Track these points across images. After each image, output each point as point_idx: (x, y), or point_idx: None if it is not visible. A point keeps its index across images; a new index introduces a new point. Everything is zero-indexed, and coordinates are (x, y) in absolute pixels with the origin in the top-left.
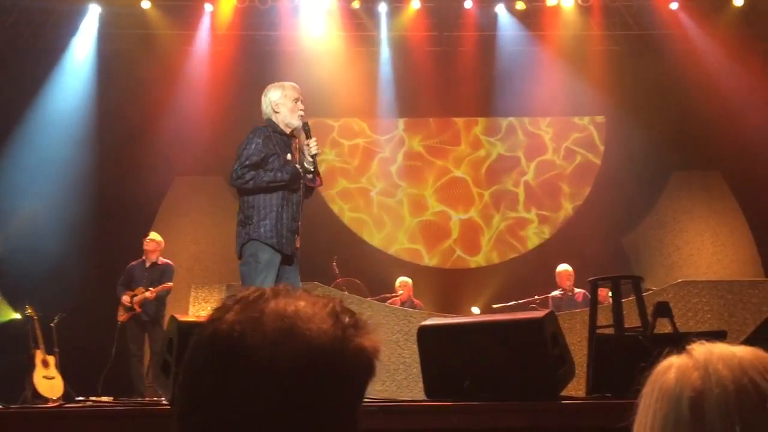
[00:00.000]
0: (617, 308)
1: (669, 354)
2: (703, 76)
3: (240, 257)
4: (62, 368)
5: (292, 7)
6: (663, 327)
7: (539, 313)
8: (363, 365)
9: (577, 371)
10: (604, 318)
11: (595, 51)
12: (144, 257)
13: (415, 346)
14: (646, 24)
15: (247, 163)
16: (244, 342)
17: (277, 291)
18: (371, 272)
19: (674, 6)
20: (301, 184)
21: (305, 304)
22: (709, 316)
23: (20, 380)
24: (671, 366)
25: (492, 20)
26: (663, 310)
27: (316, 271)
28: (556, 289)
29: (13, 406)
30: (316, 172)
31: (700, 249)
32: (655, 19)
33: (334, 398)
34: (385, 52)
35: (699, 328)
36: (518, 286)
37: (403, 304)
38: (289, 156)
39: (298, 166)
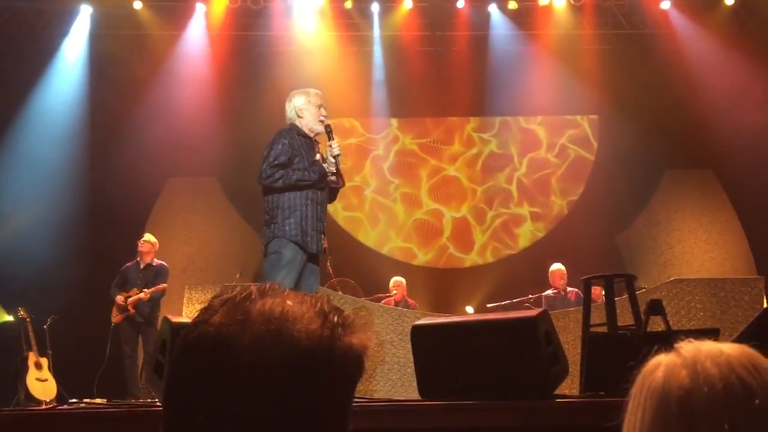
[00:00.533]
0: (610, 307)
1: (658, 352)
2: (695, 75)
3: (265, 255)
4: (55, 370)
5: (285, 7)
6: (656, 325)
7: (532, 312)
8: (352, 364)
9: (570, 370)
10: (598, 316)
11: (587, 50)
12: (138, 258)
13: (409, 346)
14: (637, 23)
15: (276, 162)
16: (231, 344)
17: (263, 291)
18: (365, 272)
19: (666, 5)
20: (326, 186)
21: (293, 304)
22: (702, 313)
23: (13, 383)
24: (660, 364)
25: (484, 20)
26: (656, 308)
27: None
28: (549, 288)
29: (6, 409)
30: (338, 174)
31: (693, 247)
32: (647, 18)
33: (323, 398)
34: (377, 51)
35: (692, 326)
36: (512, 285)
37: (397, 303)
38: (317, 156)
39: (325, 165)
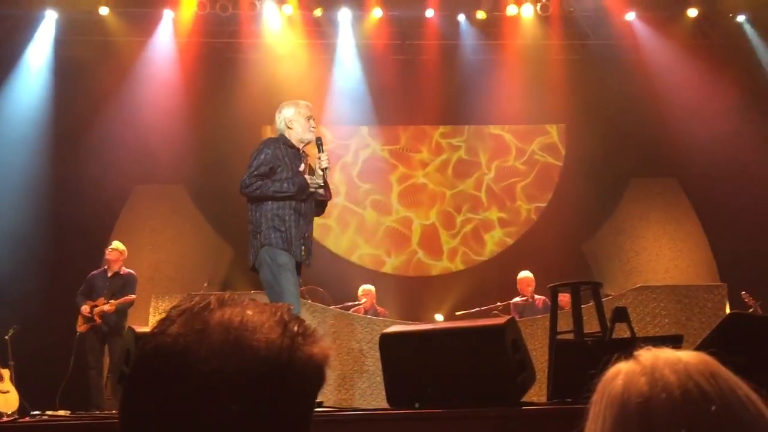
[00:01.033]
0: (576, 314)
1: (618, 360)
2: (659, 85)
3: (253, 268)
4: (17, 382)
5: (254, 15)
6: (622, 331)
7: (500, 320)
8: (312, 374)
9: (539, 377)
10: (565, 324)
11: (554, 60)
12: (106, 266)
13: (378, 354)
14: (603, 34)
15: (256, 173)
16: (188, 355)
17: (222, 301)
18: (335, 280)
19: (630, 17)
20: (312, 198)
21: (252, 314)
22: (666, 320)
23: None
24: (619, 372)
25: (454, 29)
26: (621, 315)
27: None
28: (518, 296)
29: None
30: (326, 187)
31: (658, 254)
32: (612, 30)
33: (283, 408)
34: (347, 60)
35: (657, 332)
36: (482, 293)
37: (366, 312)
38: (301, 167)
39: (307, 177)
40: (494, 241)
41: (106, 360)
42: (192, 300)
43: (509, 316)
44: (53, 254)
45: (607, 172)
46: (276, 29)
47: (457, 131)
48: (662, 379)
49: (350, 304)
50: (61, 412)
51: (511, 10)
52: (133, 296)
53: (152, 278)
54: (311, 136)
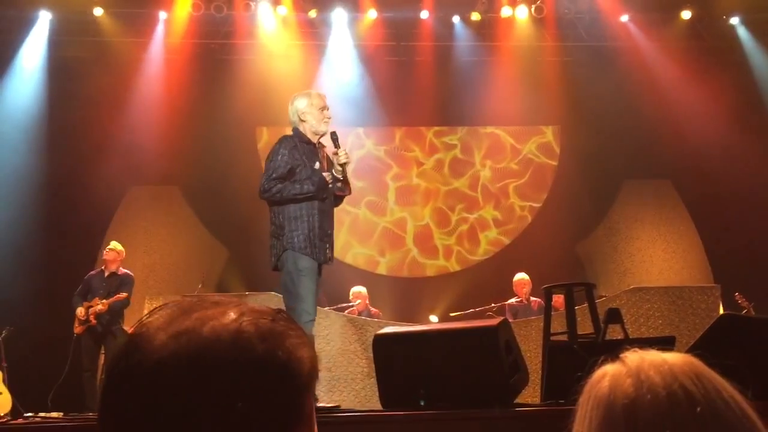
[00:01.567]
0: (570, 315)
1: (604, 362)
2: (654, 87)
3: (275, 268)
4: (11, 384)
5: (248, 16)
6: (616, 333)
7: (493, 321)
8: (297, 376)
9: (533, 378)
10: (559, 325)
11: (549, 61)
12: (103, 267)
13: (372, 356)
14: (598, 36)
15: (274, 176)
16: (159, 362)
17: (191, 305)
18: (330, 281)
19: (625, 18)
20: (332, 193)
21: (231, 318)
22: (660, 321)
23: None
24: (605, 374)
25: (448, 30)
26: (614, 316)
27: (275, 281)
28: (513, 297)
29: None
30: (345, 181)
31: (652, 256)
32: (607, 31)
33: (256, 413)
34: (341, 61)
35: (650, 334)
36: (477, 294)
37: (360, 313)
38: (317, 165)
39: (326, 174)
40: (489, 240)
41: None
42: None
43: (502, 318)
44: (46, 255)
45: (601, 174)
46: (270, 30)
47: (451, 132)
48: (648, 381)
49: (344, 305)
50: (54, 414)
51: (505, 11)
52: (125, 294)
53: (146, 280)
54: (326, 128)
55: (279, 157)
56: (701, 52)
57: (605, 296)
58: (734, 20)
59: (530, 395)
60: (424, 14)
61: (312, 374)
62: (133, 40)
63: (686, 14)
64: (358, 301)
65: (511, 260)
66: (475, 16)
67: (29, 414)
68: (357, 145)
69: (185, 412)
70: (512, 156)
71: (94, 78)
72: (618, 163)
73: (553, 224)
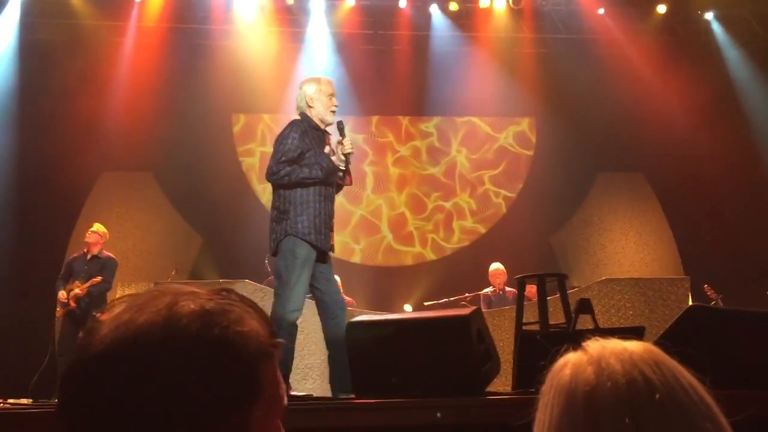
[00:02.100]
0: (542, 305)
1: (566, 351)
2: (628, 81)
3: (275, 253)
4: None
5: (225, 1)
6: (588, 323)
7: (466, 311)
8: (239, 350)
9: (506, 367)
10: (532, 315)
11: (526, 53)
12: (85, 249)
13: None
14: (574, 28)
15: (284, 159)
16: (115, 351)
17: (151, 294)
18: None
19: (601, 11)
20: (335, 181)
21: (164, 303)
22: (631, 312)
23: None
24: (567, 363)
25: (426, 20)
26: (585, 306)
27: (249, 268)
28: (488, 287)
29: None
30: (347, 171)
31: (624, 247)
32: (584, 24)
33: (211, 391)
34: (319, 48)
35: (621, 324)
36: (451, 283)
37: None
38: (327, 149)
39: (334, 158)
40: (464, 229)
41: None
42: (124, 296)
43: (475, 307)
44: (17, 241)
45: (576, 166)
46: (248, 16)
47: (428, 121)
48: (608, 369)
49: None
50: (23, 401)
51: (483, 2)
52: (100, 278)
53: (119, 267)
54: (332, 119)
55: (290, 141)
56: (676, 47)
57: (578, 287)
58: (708, 15)
59: (502, 384)
60: (402, 3)
61: (262, 347)
62: (108, 23)
63: (661, 8)
64: None
65: (487, 250)
66: (453, 6)
67: None
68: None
69: (126, 400)
70: (488, 146)
71: (67, 61)
72: (592, 156)
73: (528, 214)
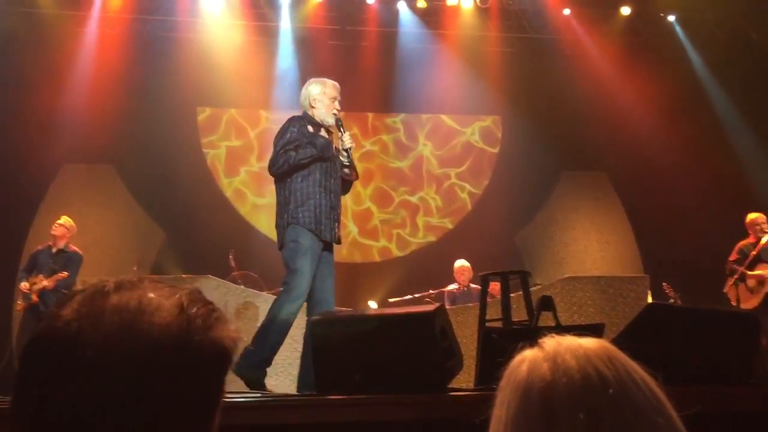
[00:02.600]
0: (505, 302)
1: (524, 348)
2: (593, 81)
3: (281, 246)
4: None
5: None
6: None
7: (429, 307)
8: (212, 358)
9: (469, 363)
10: (496, 312)
11: (492, 52)
12: (51, 242)
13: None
14: (540, 28)
15: (282, 151)
16: (79, 340)
17: (120, 284)
18: (269, 265)
19: (567, 12)
20: (338, 175)
21: (152, 297)
22: (592, 309)
23: None
24: (524, 359)
25: (394, 16)
26: (546, 304)
27: (212, 263)
28: (453, 283)
29: None
30: (351, 167)
31: (587, 246)
32: (549, 24)
33: (179, 395)
34: (285, 43)
35: (583, 321)
36: (417, 280)
37: None
38: (322, 131)
39: (323, 135)
40: (429, 226)
41: None
42: (89, 283)
43: (438, 304)
44: None
45: (541, 164)
46: (214, 9)
47: (394, 118)
48: (564, 365)
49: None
50: None
51: (451, 0)
52: (65, 273)
53: None
54: (332, 121)
55: (288, 135)
56: (639, 48)
57: (541, 284)
58: (671, 18)
59: (465, 380)
60: None
61: (229, 354)
62: (69, 13)
63: (626, 10)
64: None
65: (452, 246)
66: (421, 3)
67: None
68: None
69: (40, 395)
70: (454, 142)
71: (26, 51)
72: (556, 155)
73: (493, 211)
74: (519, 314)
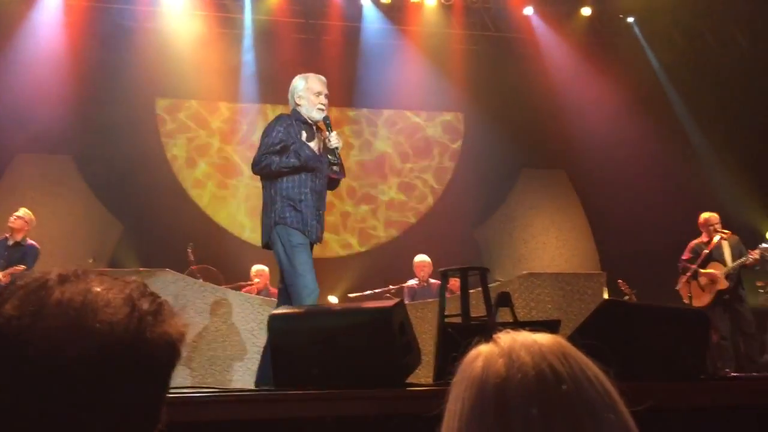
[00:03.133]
0: (464, 298)
1: (479, 343)
2: (553, 80)
3: (266, 246)
4: None
5: None
6: (508, 316)
7: (388, 303)
8: (162, 354)
9: (428, 359)
10: (454, 308)
11: (455, 49)
12: (8, 234)
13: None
14: (502, 26)
15: (266, 151)
16: (20, 338)
17: (65, 277)
18: (228, 259)
19: (528, 11)
20: (324, 175)
21: (97, 292)
22: (549, 306)
23: None
24: (479, 354)
25: (357, 11)
26: (504, 300)
27: (171, 257)
28: (413, 278)
29: None
30: (339, 165)
31: (545, 243)
32: (511, 23)
33: (129, 393)
34: (248, 35)
35: (540, 317)
36: (377, 275)
37: (259, 292)
38: (313, 144)
39: (312, 144)
40: (391, 221)
41: None
42: (28, 277)
43: (397, 300)
44: None
45: (501, 161)
46: None
47: (357, 113)
48: (518, 361)
49: (243, 284)
50: None
51: None
52: (22, 267)
53: None
54: (319, 116)
55: (274, 134)
56: (599, 48)
57: (499, 281)
58: (630, 19)
59: (425, 375)
60: None
61: (178, 350)
62: None
63: (586, 11)
64: (257, 280)
65: (413, 241)
66: None
67: None
68: (263, 123)
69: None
70: (416, 140)
71: None
72: (517, 152)
73: (454, 207)
74: (478, 310)
